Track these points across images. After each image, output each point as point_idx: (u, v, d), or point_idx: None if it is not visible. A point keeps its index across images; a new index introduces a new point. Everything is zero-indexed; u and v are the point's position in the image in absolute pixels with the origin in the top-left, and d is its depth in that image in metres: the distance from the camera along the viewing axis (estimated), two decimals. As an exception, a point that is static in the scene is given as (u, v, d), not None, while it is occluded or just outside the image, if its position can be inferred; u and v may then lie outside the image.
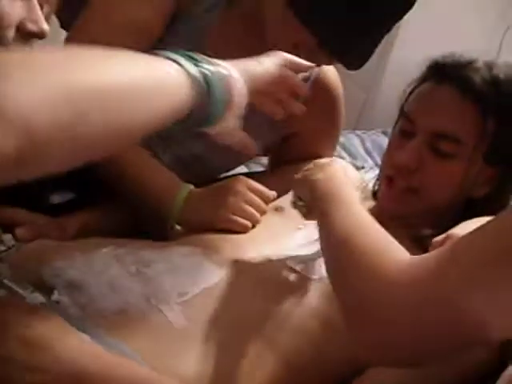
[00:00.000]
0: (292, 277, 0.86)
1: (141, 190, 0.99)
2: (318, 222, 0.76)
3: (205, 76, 0.65)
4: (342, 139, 1.62)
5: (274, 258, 0.89)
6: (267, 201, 1.01)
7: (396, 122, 0.98)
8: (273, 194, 1.01)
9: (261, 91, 0.76)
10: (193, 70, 0.63)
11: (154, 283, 0.77)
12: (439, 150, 0.90)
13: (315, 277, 0.87)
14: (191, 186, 0.99)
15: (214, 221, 0.95)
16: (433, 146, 0.90)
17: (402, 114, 0.96)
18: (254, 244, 0.92)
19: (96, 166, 0.97)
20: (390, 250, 0.61)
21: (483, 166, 0.91)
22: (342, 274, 0.64)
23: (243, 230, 0.95)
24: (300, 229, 0.97)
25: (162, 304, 0.74)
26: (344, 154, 1.73)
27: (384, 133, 1.97)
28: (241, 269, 0.84)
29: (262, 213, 0.99)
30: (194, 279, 0.79)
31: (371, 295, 0.57)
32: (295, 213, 1.00)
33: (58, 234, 0.90)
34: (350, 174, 1.09)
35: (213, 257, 0.85)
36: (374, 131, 1.99)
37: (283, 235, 0.95)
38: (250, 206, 0.97)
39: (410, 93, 0.97)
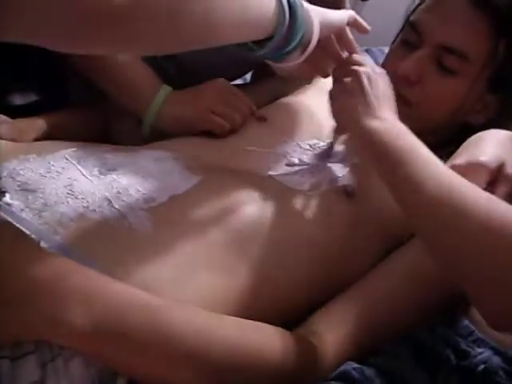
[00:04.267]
0: (274, 187, 0.78)
1: (120, 85, 0.92)
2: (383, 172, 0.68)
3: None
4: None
5: (256, 168, 0.82)
6: (247, 105, 0.94)
7: (398, 34, 0.92)
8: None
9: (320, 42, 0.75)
10: None
11: (118, 187, 0.69)
12: (444, 65, 0.84)
13: (300, 188, 0.80)
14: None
15: (191, 120, 0.90)
16: (438, 59, 0.84)
17: (408, 23, 0.89)
18: (232, 152, 0.85)
19: (70, 60, 0.89)
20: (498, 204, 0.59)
21: (485, 91, 0.86)
22: (460, 237, 0.59)
23: (222, 132, 0.89)
24: (285, 141, 0.88)
25: (126, 209, 0.66)
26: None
27: (367, 51, 1.87)
28: (217, 177, 0.76)
29: (243, 116, 0.92)
30: (164, 185, 0.71)
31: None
32: (280, 123, 0.91)
33: (14, 137, 0.81)
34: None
35: (186, 162, 0.77)
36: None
37: (266, 146, 0.87)
38: (230, 107, 0.91)
39: (419, 4, 0.89)
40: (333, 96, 0.77)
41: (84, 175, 0.70)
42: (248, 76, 1.30)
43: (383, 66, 0.92)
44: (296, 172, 0.83)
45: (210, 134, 0.90)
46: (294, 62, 0.74)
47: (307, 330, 0.68)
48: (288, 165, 0.83)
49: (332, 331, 0.68)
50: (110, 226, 0.64)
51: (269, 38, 0.68)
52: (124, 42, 0.54)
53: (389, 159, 0.66)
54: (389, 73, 0.86)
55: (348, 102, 0.73)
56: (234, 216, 0.71)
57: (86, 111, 0.98)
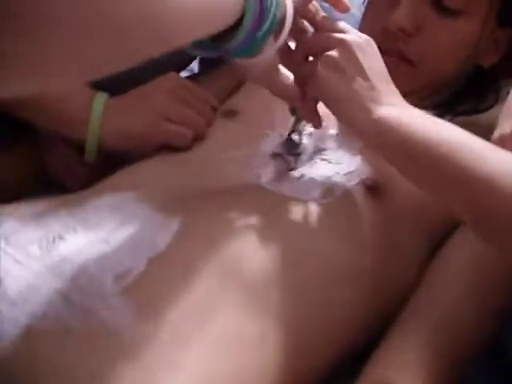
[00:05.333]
0: (274, 204, 0.59)
1: (43, 106, 0.69)
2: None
3: None
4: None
5: (242, 180, 0.62)
6: (208, 101, 0.74)
7: None
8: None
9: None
10: None
11: (70, 269, 0.48)
12: (444, 5, 0.69)
13: (305, 197, 0.60)
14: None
15: (142, 133, 0.69)
16: (435, 0, 0.68)
17: None
18: (207, 165, 0.65)
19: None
20: None
21: (494, 27, 0.72)
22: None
23: (184, 144, 0.68)
24: (267, 134, 0.69)
25: (92, 301, 0.46)
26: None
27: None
28: (200, 210, 0.56)
29: (206, 117, 0.72)
30: (134, 246, 0.51)
31: None
32: (254, 114, 0.71)
33: None
34: None
35: (153, 200, 0.57)
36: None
37: (246, 147, 0.67)
38: (188, 109, 0.71)
39: None
40: (319, 77, 0.56)
41: (18, 261, 0.48)
42: (194, 66, 1.07)
43: (365, 24, 0.74)
44: (294, 173, 0.64)
45: (169, 147, 0.69)
46: (270, 52, 0.54)
47: (373, 379, 0.51)
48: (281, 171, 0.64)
49: (406, 377, 0.51)
50: (73, 334, 0.44)
51: (233, 26, 0.48)
52: None
53: (417, 150, 0.51)
54: (375, 31, 0.68)
55: (344, 84, 0.54)
56: (238, 267, 0.52)
57: (11, 155, 0.75)
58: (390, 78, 0.58)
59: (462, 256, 0.60)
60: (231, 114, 0.73)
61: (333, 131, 0.70)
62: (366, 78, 0.55)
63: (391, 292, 0.60)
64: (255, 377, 0.47)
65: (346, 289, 0.57)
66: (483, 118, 0.74)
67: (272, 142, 0.69)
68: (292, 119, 0.68)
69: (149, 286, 0.48)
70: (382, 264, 0.60)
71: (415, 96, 0.70)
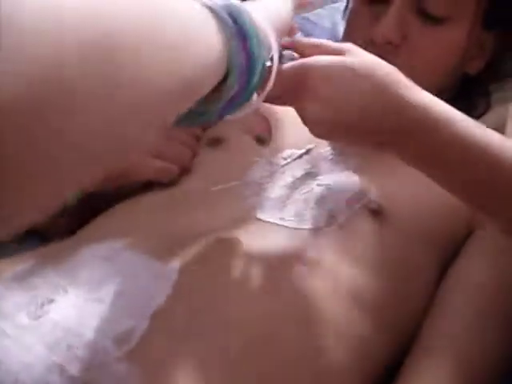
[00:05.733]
0: (278, 236, 0.55)
1: None
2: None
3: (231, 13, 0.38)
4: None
5: (238, 215, 0.58)
6: (190, 131, 0.69)
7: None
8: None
9: None
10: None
11: (65, 337, 0.43)
12: (428, 13, 0.66)
13: (309, 226, 0.56)
14: None
15: (122, 171, 0.63)
16: (419, 8, 0.66)
17: None
18: (197, 200, 0.60)
19: None
20: None
21: (480, 31, 0.69)
22: None
23: (169, 178, 0.64)
24: (256, 162, 0.65)
25: (92, 373, 0.41)
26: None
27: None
28: (198, 255, 0.52)
29: (191, 147, 0.67)
30: (135, 301, 0.46)
31: None
32: (241, 141, 0.68)
33: None
34: None
35: (147, 246, 0.52)
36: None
37: (235, 176, 0.63)
38: (169, 140, 0.66)
39: None
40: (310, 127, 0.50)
41: (6, 334, 0.43)
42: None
43: (348, 36, 0.71)
44: (290, 201, 0.60)
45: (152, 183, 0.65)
46: (256, 105, 0.46)
47: None
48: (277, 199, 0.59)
49: None
50: None
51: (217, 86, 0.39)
52: None
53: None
54: (360, 44, 0.64)
55: (330, 128, 0.48)
56: (244, 318, 0.47)
57: None
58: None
59: (484, 269, 0.57)
60: (216, 142, 0.69)
61: (326, 151, 0.67)
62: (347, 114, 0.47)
63: (410, 312, 0.57)
64: None
65: (367, 315, 0.53)
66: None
67: (261, 170, 0.65)
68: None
69: (153, 347, 0.43)
70: (399, 284, 0.56)
71: None
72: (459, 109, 0.73)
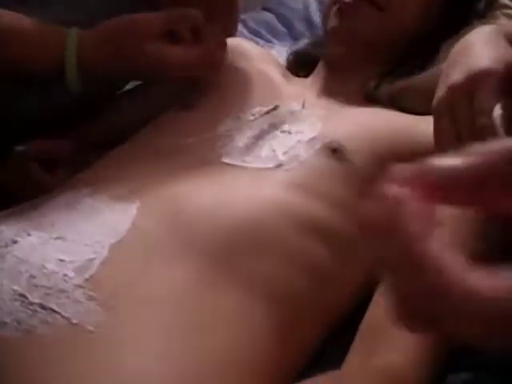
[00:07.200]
0: (240, 175, 0.57)
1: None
2: None
3: None
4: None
5: (205, 158, 0.60)
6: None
7: None
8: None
9: None
10: None
11: (28, 269, 0.45)
12: None
13: (270, 165, 0.58)
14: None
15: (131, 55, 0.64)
16: None
17: None
18: (168, 151, 0.62)
19: None
20: None
21: None
22: None
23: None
24: (225, 118, 0.67)
25: (54, 298, 0.42)
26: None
27: (265, 9, 1.68)
28: (160, 187, 0.54)
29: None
30: (94, 235, 0.48)
31: None
32: (210, 103, 0.70)
33: None
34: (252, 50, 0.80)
35: (107, 192, 0.54)
36: (253, 11, 1.70)
37: (206, 132, 0.65)
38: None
39: None
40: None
41: None
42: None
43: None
44: (255, 147, 0.62)
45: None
46: None
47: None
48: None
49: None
50: (35, 335, 0.40)
51: None
52: None
53: None
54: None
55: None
56: (204, 230, 0.50)
57: None
58: None
59: None
60: (188, 105, 0.71)
61: (293, 107, 0.68)
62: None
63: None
64: (234, 355, 0.44)
65: (328, 251, 0.54)
66: (421, 82, 0.72)
67: (230, 124, 0.67)
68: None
69: (112, 274, 0.45)
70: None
71: (377, 47, 0.70)
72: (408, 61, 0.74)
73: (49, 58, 0.65)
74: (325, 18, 0.76)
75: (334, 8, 0.71)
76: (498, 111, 0.50)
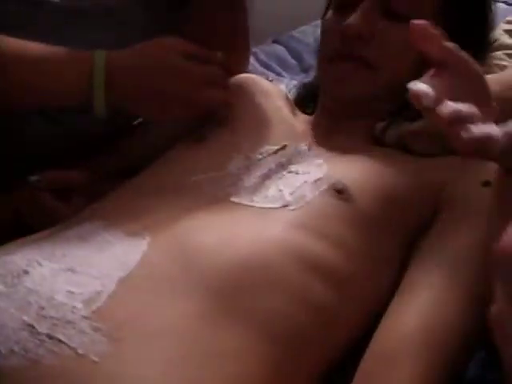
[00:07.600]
0: (245, 214, 0.59)
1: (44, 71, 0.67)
2: None
3: None
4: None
5: (213, 197, 0.62)
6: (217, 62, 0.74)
7: (327, 5, 0.80)
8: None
9: None
10: None
11: (37, 300, 0.46)
12: (393, 12, 0.71)
13: (277, 205, 0.60)
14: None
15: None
16: (385, 8, 0.71)
17: None
18: (176, 187, 0.64)
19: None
20: None
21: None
22: None
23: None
24: (234, 157, 0.69)
25: (61, 329, 0.44)
26: (240, 76, 1.47)
27: (275, 41, 1.71)
28: (169, 224, 0.56)
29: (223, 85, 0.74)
30: (103, 268, 0.49)
31: None
32: (219, 139, 0.72)
33: None
34: (268, 87, 0.83)
35: (120, 227, 0.56)
36: (263, 44, 1.73)
37: (215, 169, 0.67)
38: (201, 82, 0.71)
39: None
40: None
41: None
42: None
43: (322, 41, 0.77)
44: (262, 187, 0.63)
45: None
46: None
47: None
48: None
49: None
50: (41, 364, 0.42)
51: None
52: None
53: None
54: (334, 39, 0.71)
55: None
56: (209, 266, 0.51)
57: None
58: None
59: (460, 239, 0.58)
60: (200, 138, 0.73)
61: (301, 147, 0.70)
62: None
63: (375, 286, 0.59)
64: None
65: (329, 289, 0.55)
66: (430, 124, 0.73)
67: (239, 163, 0.68)
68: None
69: (118, 307, 0.46)
70: (363, 260, 0.59)
71: (376, 101, 0.72)
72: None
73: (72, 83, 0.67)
74: (322, 70, 0.77)
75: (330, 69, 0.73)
76: None
